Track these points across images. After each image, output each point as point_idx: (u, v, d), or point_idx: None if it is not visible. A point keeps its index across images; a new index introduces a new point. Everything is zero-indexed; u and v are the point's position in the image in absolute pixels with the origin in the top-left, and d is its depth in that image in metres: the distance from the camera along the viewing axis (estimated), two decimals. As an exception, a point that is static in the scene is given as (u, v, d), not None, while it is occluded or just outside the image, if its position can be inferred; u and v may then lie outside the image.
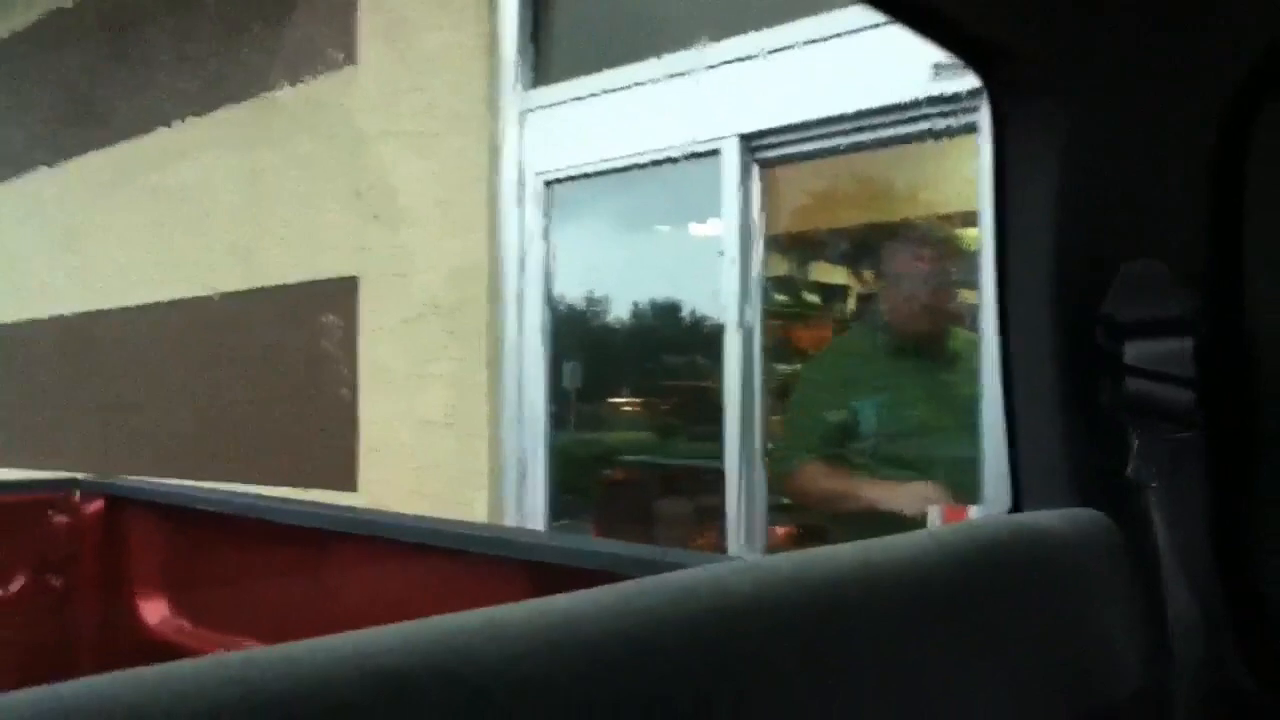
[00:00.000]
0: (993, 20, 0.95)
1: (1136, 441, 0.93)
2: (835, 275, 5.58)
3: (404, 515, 2.31)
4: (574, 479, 3.48)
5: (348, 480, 3.67)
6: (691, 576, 0.66)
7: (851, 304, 4.39)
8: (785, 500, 2.89)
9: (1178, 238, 0.96)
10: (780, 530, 3.01)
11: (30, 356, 5.38)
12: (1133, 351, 0.94)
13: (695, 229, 2.99)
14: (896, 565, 0.78)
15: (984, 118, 2.35)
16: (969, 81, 2.40)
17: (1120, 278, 0.95)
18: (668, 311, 3.48)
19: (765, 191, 2.85)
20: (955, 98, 2.45)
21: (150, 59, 4.66)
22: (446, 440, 3.37)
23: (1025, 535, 0.91)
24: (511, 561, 1.87)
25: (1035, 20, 0.94)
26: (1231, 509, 0.94)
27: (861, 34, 2.59)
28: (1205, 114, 0.91)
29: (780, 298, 3.19)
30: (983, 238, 2.42)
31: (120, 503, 2.66)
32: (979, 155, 2.40)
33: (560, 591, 0.61)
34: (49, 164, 5.30)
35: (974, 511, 2.33)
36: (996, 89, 1.02)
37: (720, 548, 2.86)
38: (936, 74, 2.48)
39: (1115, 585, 0.93)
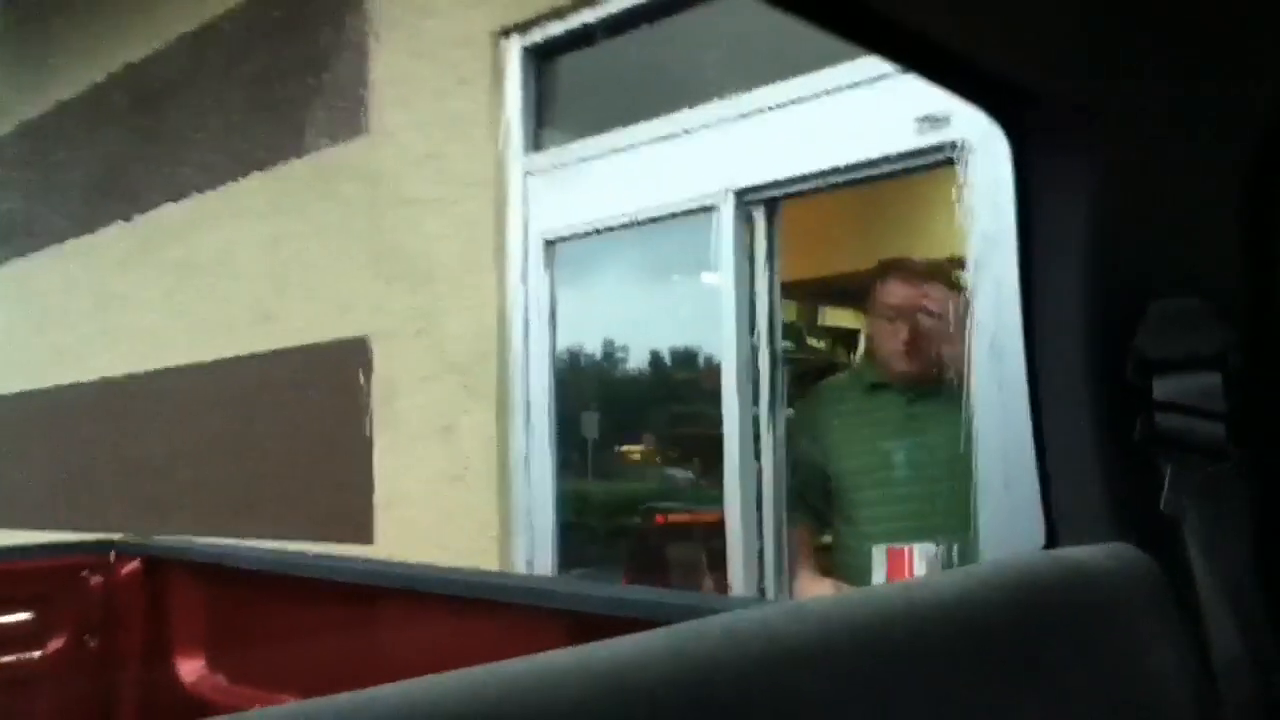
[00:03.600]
0: (1015, 68, 0.95)
1: (1169, 475, 0.94)
2: (846, 319, 5.64)
3: (439, 568, 2.31)
4: (592, 527, 3.55)
5: (364, 534, 3.77)
6: (737, 619, 0.66)
7: (863, 347, 4.44)
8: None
9: (1207, 274, 0.97)
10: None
11: (64, 420, 5.52)
12: (1164, 385, 0.94)
13: (708, 278, 3.06)
14: (941, 603, 0.78)
15: (972, 167, 2.48)
16: (952, 133, 2.53)
17: (1150, 313, 0.96)
18: (682, 360, 3.54)
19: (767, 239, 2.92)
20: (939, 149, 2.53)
21: (175, 134, 4.83)
22: (459, 493, 3.47)
23: (1064, 571, 0.90)
24: (548, 611, 1.89)
25: (1059, 66, 0.94)
26: (1268, 540, 0.94)
27: (848, 91, 2.70)
28: (1233, 152, 0.93)
29: (784, 344, 3.26)
30: (971, 278, 2.48)
31: (157, 563, 2.70)
32: (962, 202, 2.49)
33: (599, 640, 0.61)
34: (80, 235, 5.47)
35: (918, 551, 2.35)
36: (1019, 135, 1.02)
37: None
38: (920, 128, 2.59)
39: (1156, 619, 0.91)
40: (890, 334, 2.67)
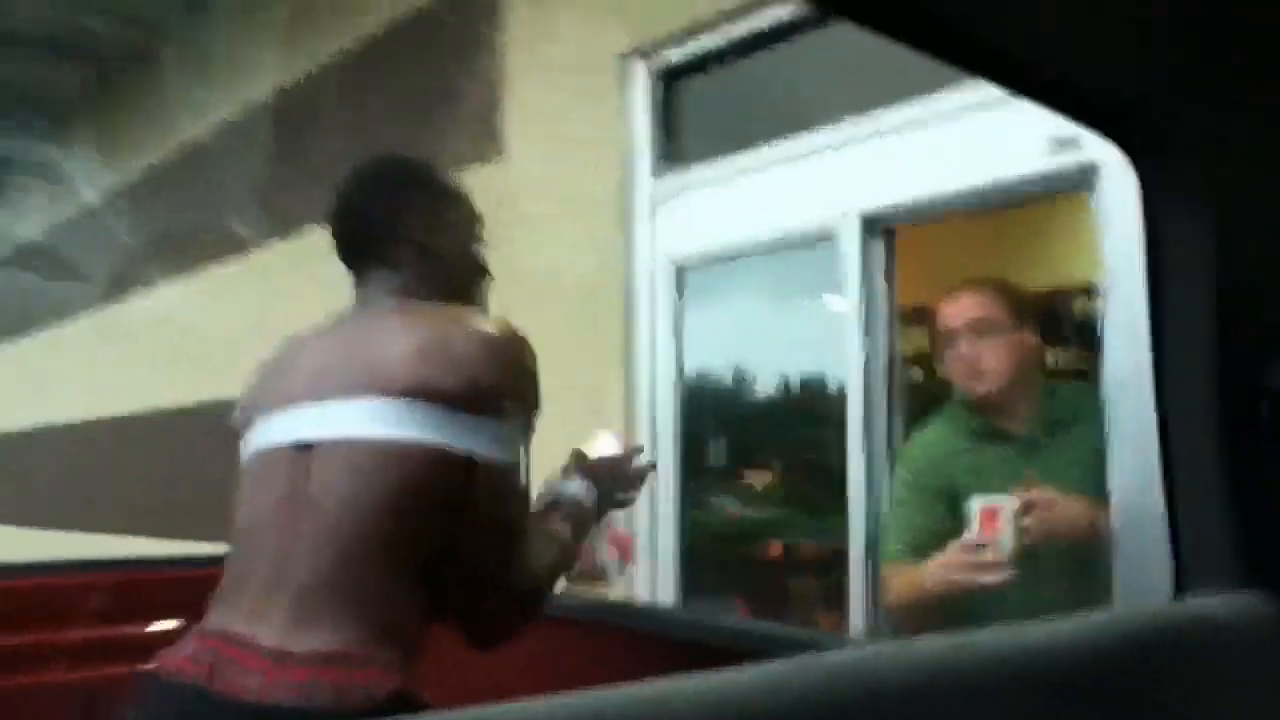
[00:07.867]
0: (1137, 94, 0.93)
1: None
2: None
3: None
4: (713, 555, 3.49)
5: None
6: (838, 658, 0.66)
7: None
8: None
9: None
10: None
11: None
12: None
13: (834, 303, 2.99)
14: (1051, 652, 0.75)
15: (1104, 191, 2.36)
16: (1086, 155, 2.42)
17: None
18: (807, 387, 3.44)
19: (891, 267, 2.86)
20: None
21: (316, 158, 5.01)
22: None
23: (1188, 622, 0.87)
24: (659, 638, 1.94)
25: (1180, 90, 0.92)
26: None
27: (975, 112, 2.62)
28: None
29: (912, 372, 3.15)
30: (1106, 307, 2.36)
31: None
32: (1096, 227, 2.39)
33: (707, 669, 0.62)
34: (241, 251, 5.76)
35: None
36: (1142, 161, 1.00)
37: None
38: (1052, 149, 2.48)
39: None
40: (953, 359, 2.40)
